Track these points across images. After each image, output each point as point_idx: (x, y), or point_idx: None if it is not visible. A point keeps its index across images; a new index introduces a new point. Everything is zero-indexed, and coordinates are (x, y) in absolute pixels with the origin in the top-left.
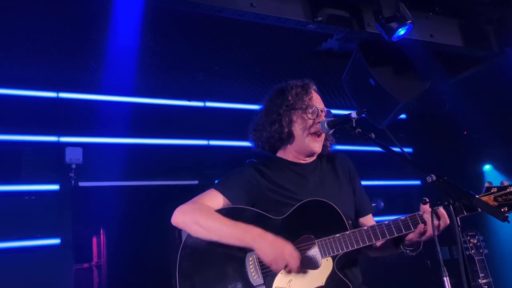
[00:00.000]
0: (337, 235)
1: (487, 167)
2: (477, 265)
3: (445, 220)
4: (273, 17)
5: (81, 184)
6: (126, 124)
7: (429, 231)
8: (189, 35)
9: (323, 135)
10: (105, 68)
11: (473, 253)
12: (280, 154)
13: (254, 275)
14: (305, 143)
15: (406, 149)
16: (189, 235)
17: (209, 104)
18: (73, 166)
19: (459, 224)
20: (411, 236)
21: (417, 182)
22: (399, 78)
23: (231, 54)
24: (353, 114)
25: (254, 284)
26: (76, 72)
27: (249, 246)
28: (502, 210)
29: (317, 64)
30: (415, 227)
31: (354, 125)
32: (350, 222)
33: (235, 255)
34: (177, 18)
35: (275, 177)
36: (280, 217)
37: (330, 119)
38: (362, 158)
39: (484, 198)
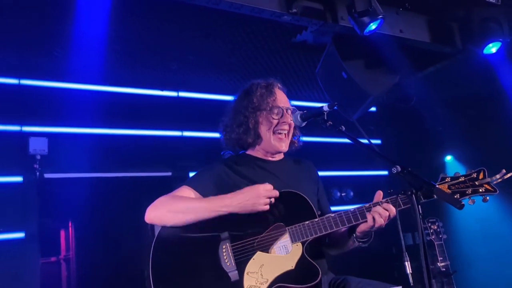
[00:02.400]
0: (307, 222)
1: (448, 158)
2: (437, 250)
3: (392, 212)
4: (248, 7)
5: (46, 176)
6: (96, 114)
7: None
8: (163, 23)
9: (290, 134)
10: (71, 55)
11: (433, 238)
12: (249, 151)
13: (227, 262)
14: (271, 143)
15: (375, 141)
16: (163, 227)
17: (183, 94)
18: (38, 157)
19: (421, 212)
20: (363, 227)
21: (385, 173)
22: (370, 72)
23: (205, 43)
24: (325, 107)
25: (227, 270)
26: (40, 58)
27: (226, 210)
28: (455, 196)
29: (291, 56)
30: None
31: (325, 118)
32: (319, 212)
33: (209, 244)
34: (149, 5)
35: (245, 172)
36: None
37: (302, 111)
38: (333, 149)
39: (440, 187)
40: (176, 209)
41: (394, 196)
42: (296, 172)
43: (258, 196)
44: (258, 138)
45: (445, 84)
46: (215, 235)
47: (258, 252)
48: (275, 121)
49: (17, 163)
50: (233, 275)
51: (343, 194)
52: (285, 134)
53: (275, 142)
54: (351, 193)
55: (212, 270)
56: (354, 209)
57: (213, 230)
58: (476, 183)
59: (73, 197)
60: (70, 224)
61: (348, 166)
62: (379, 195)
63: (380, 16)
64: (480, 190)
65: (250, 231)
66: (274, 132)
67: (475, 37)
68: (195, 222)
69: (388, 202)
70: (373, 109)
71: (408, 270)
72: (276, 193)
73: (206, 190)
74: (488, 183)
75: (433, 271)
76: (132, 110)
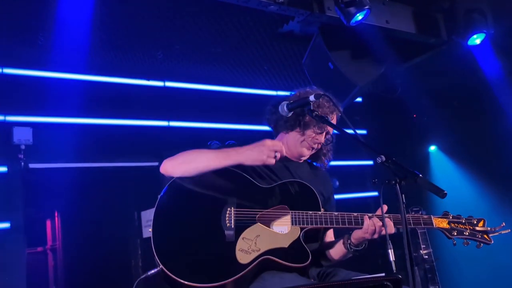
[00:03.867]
0: (310, 212)
1: (432, 148)
2: (420, 238)
3: (390, 228)
4: None
5: (31, 166)
6: (81, 104)
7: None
8: (148, 12)
9: (317, 148)
10: (55, 44)
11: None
12: None
13: (228, 223)
14: (298, 145)
15: (360, 131)
16: (174, 180)
17: (169, 84)
18: (22, 147)
19: (404, 201)
20: (359, 233)
21: (370, 163)
22: (356, 62)
23: (191, 33)
24: (311, 97)
25: (225, 229)
26: (23, 47)
27: (235, 161)
28: (453, 233)
29: (278, 46)
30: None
31: (312, 108)
32: (323, 209)
33: (215, 204)
34: None
35: None
36: (264, 186)
37: (289, 101)
38: None
39: (440, 220)
40: (189, 159)
41: (396, 215)
42: (311, 176)
43: (265, 147)
44: (292, 130)
45: (430, 75)
46: (222, 197)
47: (258, 224)
48: (312, 134)
49: (1, 153)
50: (229, 235)
51: None
52: (313, 149)
53: (302, 148)
54: (337, 183)
55: (211, 227)
56: (357, 214)
57: (222, 193)
58: (476, 228)
59: (59, 187)
60: (56, 214)
61: (334, 156)
62: (384, 208)
63: (367, 7)
64: (478, 236)
65: (256, 204)
66: (304, 140)
67: (459, 28)
68: (206, 170)
69: (390, 218)
70: (359, 99)
71: (392, 257)
72: (282, 149)
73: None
74: (486, 233)
75: (416, 258)
76: (118, 99)
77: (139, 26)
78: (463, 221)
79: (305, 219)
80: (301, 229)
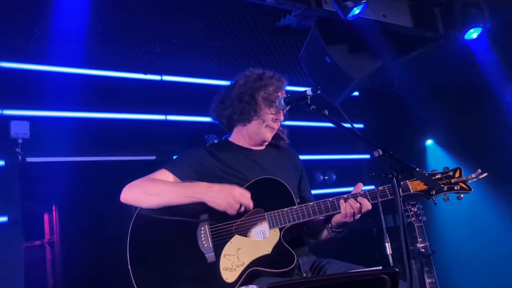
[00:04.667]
0: (286, 209)
1: (429, 142)
2: (416, 231)
3: (365, 206)
4: None
5: (29, 159)
6: (78, 97)
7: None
8: (145, 6)
9: (277, 128)
10: (52, 37)
11: (413, 220)
12: (232, 138)
13: (205, 243)
14: (261, 131)
15: (357, 125)
16: (140, 209)
17: (166, 78)
18: (20, 141)
19: (401, 194)
20: (338, 217)
21: (367, 156)
22: (353, 56)
23: (189, 26)
24: (308, 91)
25: (204, 252)
26: (19, 40)
27: (199, 199)
28: (431, 192)
29: (275, 40)
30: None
31: (309, 102)
32: (298, 200)
33: (188, 225)
34: None
35: (227, 159)
36: None
37: (286, 95)
38: (316, 133)
39: (416, 183)
40: (151, 191)
41: (373, 190)
42: (278, 159)
43: (232, 196)
44: (250, 120)
45: (427, 69)
46: (194, 217)
47: (236, 236)
48: (270, 116)
49: None
50: (210, 256)
51: (326, 178)
52: (274, 128)
53: (265, 131)
54: (334, 177)
55: (190, 251)
56: (333, 198)
57: (193, 212)
58: (452, 181)
59: (56, 181)
60: (53, 208)
61: (331, 150)
62: (358, 187)
63: (364, 1)
64: (455, 188)
65: (229, 215)
66: (267, 124)
67: (456, 22)
68: (169, 205)
69: (366, 196)
70: (356, 93)
71: (389, 251)
72: (249, 203)
73: (184, 174)
74: (463, 182)
75: (413, 252)
76: (115, 93)
77: (136, 19)
78: (439, 177)
79: (281, 219)
80: (281, 229)
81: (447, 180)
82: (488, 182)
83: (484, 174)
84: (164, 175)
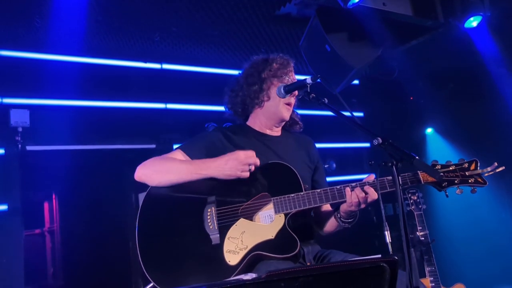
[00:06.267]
0: (292, 195)
1: (429, 131)
2: (416, 219)
3: (371, 195)
4: None
5: (28, 148)
6: (78, 86)
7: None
8: None
9: (293, 105)
10: (52, 25)
11: (413, 208)
12: (249, 122)
13: (211, 225)
14: (278, 108)
15: (357, 114)
16: (152, 188)
17: (166, 66)
18: (20, 129)
19: (401, 183)
20: (346, 206)
21: (367, 145)
22: (353, 45)
23: (188, 15)
24: (308, 79)
25: (209, 233)
26: (19, 28)
27: (207, 174)
28: (443, 185)
29: (275, 28)
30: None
31: (309, 91)
32: (307, 186)
33: (195, 207)
34: None
35: (241, 143)
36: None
37: (285, 84)
38: (316, 122)
39: (427, 174)
40: (161, 168)
41: (382, 178)
42: (293, 147)
43: (238, 161)
44: (264, 100)
45: (427, 57)
46: (202, 198)
47: (242, 219)
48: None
49: None
50: (215, 238)
51: (326, 166)
52: (291, 104)
53: (282, 108)
54: (334, 165)
55: (195, 232)
56: (340, 186)
57: (201, 194)
58: (467, 173)
59: (56, 169)
60: (53, 196)
61: (331, 138)
62: (369, 177)
63: None
64: (470, 181)
65: (236, 198)
66: (283, 101)
67: (456, 11)
68: (179, 182)
69: (374, 184)
70: (355, 82)
71: (388, 239)
72: (256, 160)
73: (196, 155)
74: (479, 175)
75: (412, 240)
76: (115, 82)
77: (136, 8)
78: (453, 168)
79: (287, 204)
80: (286, 215)
81: (461, 173)
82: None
83: (501, 168)
84: (178, 155)
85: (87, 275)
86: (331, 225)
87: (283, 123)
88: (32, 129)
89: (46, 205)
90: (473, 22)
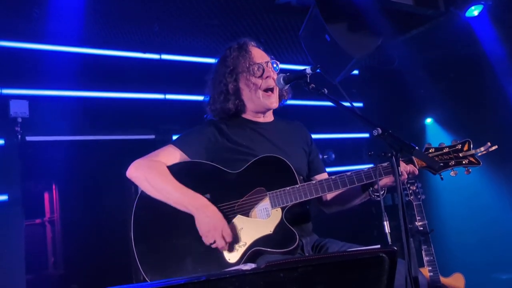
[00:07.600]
0: (288, 188)
1: (428, 121)
2: (415, 210)
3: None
4: None
5: (28, 138)
6: (77, 76)
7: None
8: None
9: (276, 89)
10: (51, 16)
11: (412, 199)
12: (243, 112)
13: None
14: (260, 101)
15: (357, 104)
16: (138, 202)
17: (165, 56)
18: (19, 120)
19: (400, 173)
20: (385, 180)
21: (366, 135)
22: (353, 34)
23: (188, 4)
24: (308, 69)
25: None
26: (18, 19)
27: (190, 212)
28: (437, 167)
29: (275, 18)
30: (359, 182)
31: (308, 81)
32: (301, 177)
33: None
34: None
35: (234, 135)
36: (236, 171)
37: (285, 74)
38: (315, 112)
39: None
40: (153, 182)
41: (383, 165)
42: (288, 134)
43: (215, 230)
44: (241, 102)
45: (427, 47)
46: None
47: (238, 216)
48: (259, 80)
49: None
50: None
51: (325, 157)
52: (271, 90)
53: (263, 99)
54: (333, 155)
55: (192, 231)
56: (335, 176)
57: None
58: (460, 154)
59: (56, 159)
60: (53, 187)
61: (330, 128)
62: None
63: None
64: (464, 162)
65: (231, 195)
66: (260, 90)
67: None
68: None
69: (370, 174)
70: (355, 72)
71: (387, 229)
72: (224, 247)
73: (192, 151)
74: (472, 155)
75: (411, 230)
76: (114, 72)
77: None
78: (447, 150)
79: (283, 198)
80: (282, 208)
81: (455, 154)
82: (487, 160)
83: (494, 147)
84: (172, 152)
85: (88, 264)
86: (355, 198)
87: (269, 110)
88: (32, 119)
89: (46, 195)
90: (474, 11)
